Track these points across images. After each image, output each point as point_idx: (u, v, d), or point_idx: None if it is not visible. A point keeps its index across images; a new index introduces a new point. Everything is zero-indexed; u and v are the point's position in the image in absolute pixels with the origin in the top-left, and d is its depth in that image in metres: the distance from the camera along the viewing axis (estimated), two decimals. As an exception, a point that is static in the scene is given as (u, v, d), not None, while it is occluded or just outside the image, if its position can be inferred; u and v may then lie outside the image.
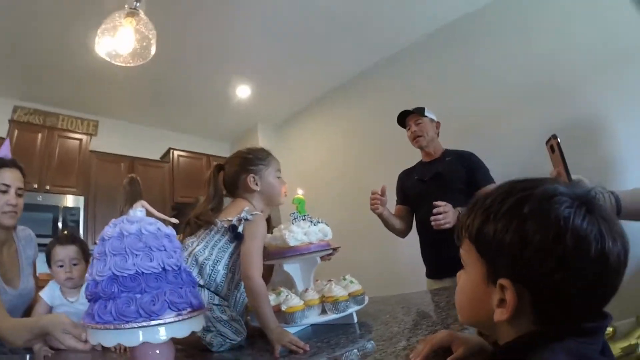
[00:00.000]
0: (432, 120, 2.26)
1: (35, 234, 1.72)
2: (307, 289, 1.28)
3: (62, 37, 3.14)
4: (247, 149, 1.41)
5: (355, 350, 0.95)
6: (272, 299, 1.23)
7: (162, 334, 0.79)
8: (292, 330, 1.21)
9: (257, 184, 1.36)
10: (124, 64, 2.14)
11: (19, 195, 1.51)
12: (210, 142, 5.37)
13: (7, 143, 1.61)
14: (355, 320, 1.27)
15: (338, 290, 1.22)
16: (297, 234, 1.30)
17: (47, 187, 3.72)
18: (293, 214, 1.41)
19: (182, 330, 0.82)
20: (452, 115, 2.71)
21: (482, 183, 2.03)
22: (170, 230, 0.92)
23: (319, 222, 1.41)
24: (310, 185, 4.59)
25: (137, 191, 1.06)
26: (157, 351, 0.83)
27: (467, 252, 0.57)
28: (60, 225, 3.61)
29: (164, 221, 0.96)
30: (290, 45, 3.60)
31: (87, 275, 0.85)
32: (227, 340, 1.16)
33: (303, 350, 0.98)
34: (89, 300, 0.83)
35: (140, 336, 0.77)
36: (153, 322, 0.77)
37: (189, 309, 0.83)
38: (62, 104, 4.16)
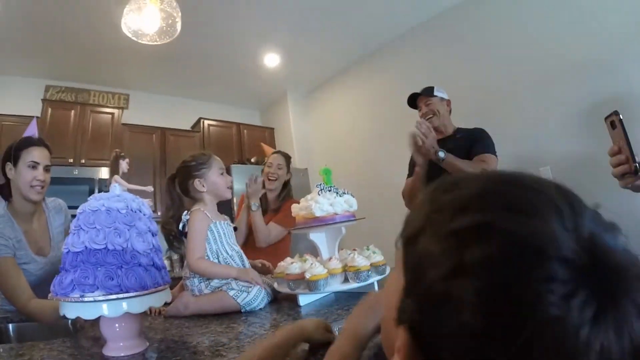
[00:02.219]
0: (442, 99, 2.24)
1: (71, 205, 1.85)
2: (331, 258, 1.34)
3: (90, 15, 3.22)
4: (190, 157, 1.55)
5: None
6: (298, 266, 1.31)
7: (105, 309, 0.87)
8: (315, 297, 1.29)
9: (203, 186, 1.49)
10: (150, 42, 2.20)
11: (46, 171, 1.64)
12: (240, 111, 5.45)
13: (34, 122, 1.72)
14: (377, 289, 1.32)
15: (360, 260, 1.28)
16: (323, 204, 1.38)
17: (82, 161, 3.91)
18: (319, 184, 1.46)
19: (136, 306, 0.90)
20: (480, 91, 2.64)
21: (477, 152, 2.01)
22: (141, 208, 0.99)
23: (344, 193, 1.46)
24: (337, 154, 4.65)
25: (116, 167, 1.12)
26: (116, 325, 0.92)
27: (397, 256, 0.39)
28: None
29: (140, 192, 1.05)
30: (320, 11, 3.56)
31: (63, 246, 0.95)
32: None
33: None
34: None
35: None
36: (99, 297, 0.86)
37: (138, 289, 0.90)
38: (92, 80, 4.31)
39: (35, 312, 1.39)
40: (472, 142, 2.07)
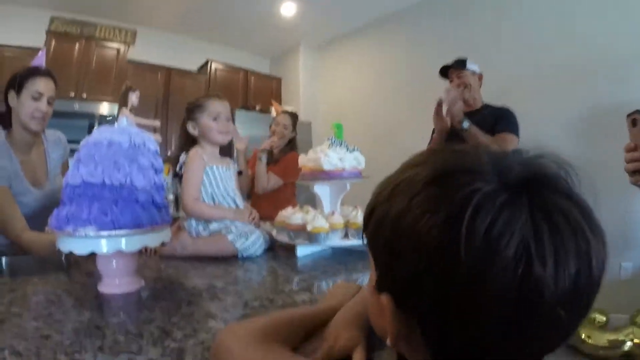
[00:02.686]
0: (474, 72, 2.20)
1: (70, 139, 1.81)
2: (333, 212, 1.33)
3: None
4: (190, 101, 1.56)
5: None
6: (300, 216, 1.29)
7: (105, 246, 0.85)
8: (314, 249, 1.28)
9: (195, 129, 1.49)
10: None
11: (49, 104, 1.59)
12: (249, 57, 5.28)
13: (42, 53, 1.65)
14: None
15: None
16: (332, 158, 1.35)
17: (84, 96, 3.83)
18: (331, 138, 1.42)
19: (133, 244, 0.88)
20: (490, 73, 2.55)
21: (500, 130, 2.01)
22: (146, 142, 0.95)
23: (354, 149, 1.43)
24: (343, 112, 4.57)
25: (125, 99, 1.07)
26: (113, 261, 0.91)
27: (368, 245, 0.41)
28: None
29: (147, 127, 1.00)
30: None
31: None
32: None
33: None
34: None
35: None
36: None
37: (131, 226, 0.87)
38: (100, 14, 4.11)
39: (29, 243, 1.37)
40: (497, 120, 2.06)
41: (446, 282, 0.30)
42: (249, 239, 1.29)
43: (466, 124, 1.90)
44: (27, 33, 3.79)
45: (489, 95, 2.25)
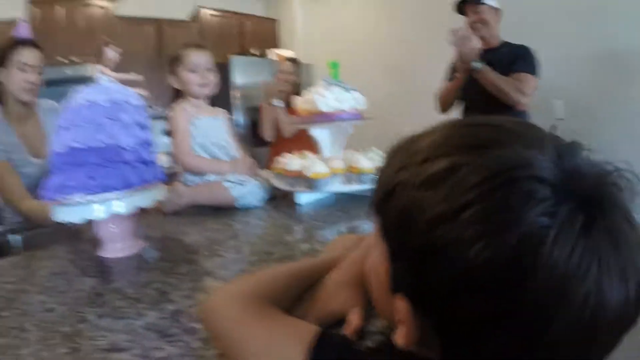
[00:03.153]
0: (491, 7, 2.07)
1: None
2: (333, 157, 1.28)
3: None
4: (171, 54, 1.54)
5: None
6: (298, 162, 1.26)
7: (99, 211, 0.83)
8: (315, 196, 1.26)
9: (175, 83, 1.49)
10: None
11: (38, 74, 1.58)
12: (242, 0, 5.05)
13: (22, 23, 1.61)
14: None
15: (365, 162, 1.22)
16: (328, 99, 1.28)
17: (74, 59, 3.74)
18: (326, 78, 1.35)
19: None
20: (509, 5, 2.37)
21: (516, 70, 1.93)
22: (128, 99, 0.91)
23: (352, 89, 1.35)
24: (346, 50, 4.36)
25: (101, 56, 1.02)
26: (110, 226, 0.89)
27: (374, 221, 0.36)
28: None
29: (129, 81, 0.96)
30: None
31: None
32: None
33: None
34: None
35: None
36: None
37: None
38: None
39: (28, 212, 1.41)
40: (515, 58, 1.98)
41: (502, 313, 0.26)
42: (246, 187, 1.27)
43: (478, 65, 1.84)
44: (8, 4, 3.62)
45: (505, 31, 2.14)
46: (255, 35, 4.71)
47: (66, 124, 0.85)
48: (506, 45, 2.10)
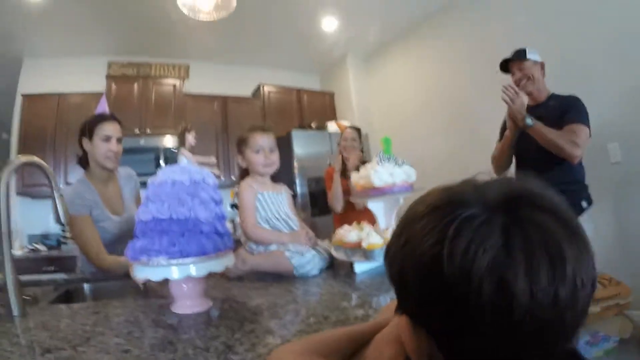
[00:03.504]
0: (535, 62, 2.12)
1: (140, 172, 2.06)
2: (388, 228, 1.36)
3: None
4: (238, 136, 1.69)
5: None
6: (355, 234, 1.34)
7: (175, 273, 0.96)
8: (370, 265, 1.32)
9: (243, 162, 1.65)
10: (208, 19, 2.28)
11: (119, 143, 1.84)
12: (300, 76, 5.46)
13: (103, 99, 1.90)
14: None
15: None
16: (382, 174, 1.39)
17: (148, 131, 4.19)
18: (379, 154, 1.46)
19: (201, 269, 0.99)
20: (552, 58, 2.40)
21: (568, 121, 1.92)
22: (205, 178, 1.06)
23: (403, 163, 1.45)
24: (398, 120, 4.55)
25: (182, 140, 1.19)
26: (184, 285, 1.02)
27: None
28: (162, 162, 4.10)
29: (205, 163, 1.12)
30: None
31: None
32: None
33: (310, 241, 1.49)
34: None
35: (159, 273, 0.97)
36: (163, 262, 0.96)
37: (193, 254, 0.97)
38: (153, 54, 4.52)
39: (110, 265, 1.62)
40: (565, 110, 1.99)
41: (440, 297, 0.35)
42: (305, 257, 1.36)
43: (529, 121, 1.87)
44: (89, 80, 4.25)
45: (551, 81, 2.17)
46: (313, 108, 5.02)
47: (153, 197, 1.01)
48: (554, 97, 2.10)
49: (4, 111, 4.66)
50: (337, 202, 2.59)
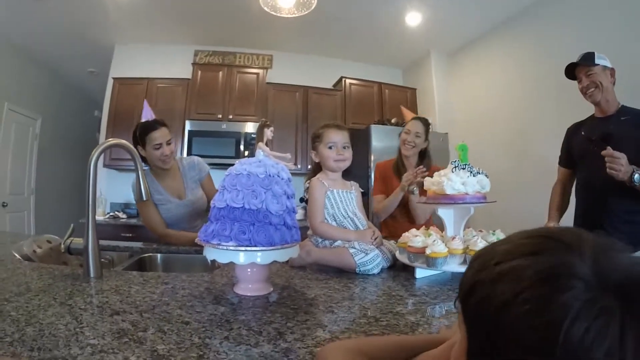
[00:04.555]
0: (605, 67, 1.90)
1: (220, 155, 2.23)
2: (454, 237, 1.34)
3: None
4: (313, 131, 1.73)
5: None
6: (421, 240, 1.34)
7: (242, 259, 1.05)
8: (431, 272, 1.32)
9: (316, 157, 1.68)
10: (288, 15, 2.37)
11: (169, 144, 2.00)
12: (382, 70, 5.43)
13: (146, 106, 2.06)
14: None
15: (482, 246, 1.25)
16: (455, 183, 1.37)
17: (230, 117, 4.46)
18: (454, 161, 1.44)
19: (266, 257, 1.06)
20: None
21: None
22: (279, 173, 1.12)
23: (478, 172, 1.41)
24: (481, 121, 4.36)
25: (261, 134, 1.25)
26: (248, 270, 1.10)
27: (458, 313, 0.45)
28: (242, 148, 4.33)
29: (281, 158, 1.18)
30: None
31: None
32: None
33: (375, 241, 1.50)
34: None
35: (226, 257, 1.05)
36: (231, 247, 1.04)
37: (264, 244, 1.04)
38: (238, 44, 4.78)
39: (177, 237, 1.92)
40: None
41: None
42: (368, 255, 1.38)
43: (638, 178, 1.67)
44: (176, 67, 4.65)
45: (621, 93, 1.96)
46: (394, 103, 4.95)
47: (229, 186, 1.09)
48: (626, 111, 1.91)
49: (97, 92, 5.26)
50: (384, 214, 2.31)
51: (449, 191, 1.37)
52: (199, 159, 2.24)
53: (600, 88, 1.89)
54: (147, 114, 2.00)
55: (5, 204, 4.74)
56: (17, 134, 4.99)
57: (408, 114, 2.54)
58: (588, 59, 1.92)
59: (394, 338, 0.68)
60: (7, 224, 4.74)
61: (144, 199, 1.43)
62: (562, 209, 2.18)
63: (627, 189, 1.74)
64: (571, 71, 2.01)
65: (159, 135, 1.96)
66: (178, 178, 2.11)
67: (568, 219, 2.16)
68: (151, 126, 1.96)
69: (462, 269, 1.27)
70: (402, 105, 4.92)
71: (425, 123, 2.37)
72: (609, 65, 1.92)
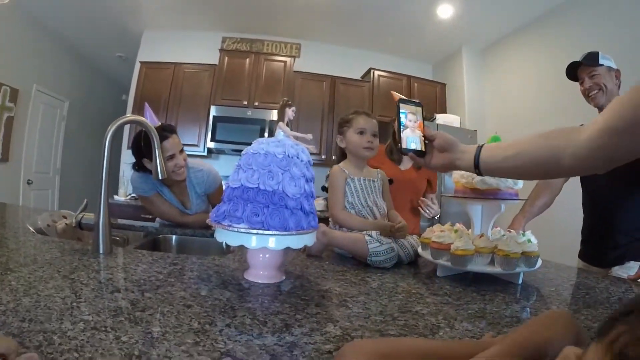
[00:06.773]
0: (609, 68, 1.77)
1: (244, 142, 2.15)
2: (482, 235, 1.24)
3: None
4: (341, 116, 1.69)
5: (507, 314, 0.91)
6: (446, 236, 1.25)
7: (254, 243, 0.97)
8: (455, 271, 1.23)
9: (342, 142, 1.64)
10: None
11: (181, 153, 1.85)
12: (411, 63, 5.31)
13: (147, 109, 1.92)
14: (520, 281, 1.21)
15: (513, 246, 1.15)
16: (487, 177, 1.26)
17: (256, 104, 4.44)
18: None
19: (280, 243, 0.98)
20: None
21: None
22: (299, 154, 1.04)
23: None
24: (512, 121, 4.21)
25: (282, 114, 1.17)
26: (260, 255, 1.03)
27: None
28: (266, 135, 4.29)
29: (302, 139, 1.09)
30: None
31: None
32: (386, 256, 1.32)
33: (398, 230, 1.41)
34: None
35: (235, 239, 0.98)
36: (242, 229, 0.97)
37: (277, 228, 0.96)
38: (266, 31, 4.77)
39: (193, 221, 1.90)
40: None
41: None
42: (383, 246, 1.31)
43: None
44: (203, 52, 4.66)
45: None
46: (423, 97, 4.84)
47: (244, 165, 1.02)
48: None
49: (125, 76, 5.33)
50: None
51: (479, 185, 1.27)
52: (213, 172, 2.06)
53: (604, 91, 1.76)
54: (150, 119, 1.81)
55: (30, 182, 4.86)
56: (45, 115, 5.11)
57: (396, 96, 2.41)
58: (591, 59, 1.79)
59: (418, 342, 0.60)
60: (32, 201, 4.89)
61: (160, 177, 1.37)
62: (540, 206, 2.09)
63: (632, 203, 1.68)
64: (573, 71, 1.89)
65: (171, 144, 1.79)
66: (184, 190, 2.00)
67: (575, 234, 2.04)
68: (161, 135, 1.66)
69: (488, 269, 1.19)
70: (431, 100, 4.78)
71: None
72: (614, 66, 1.79)
